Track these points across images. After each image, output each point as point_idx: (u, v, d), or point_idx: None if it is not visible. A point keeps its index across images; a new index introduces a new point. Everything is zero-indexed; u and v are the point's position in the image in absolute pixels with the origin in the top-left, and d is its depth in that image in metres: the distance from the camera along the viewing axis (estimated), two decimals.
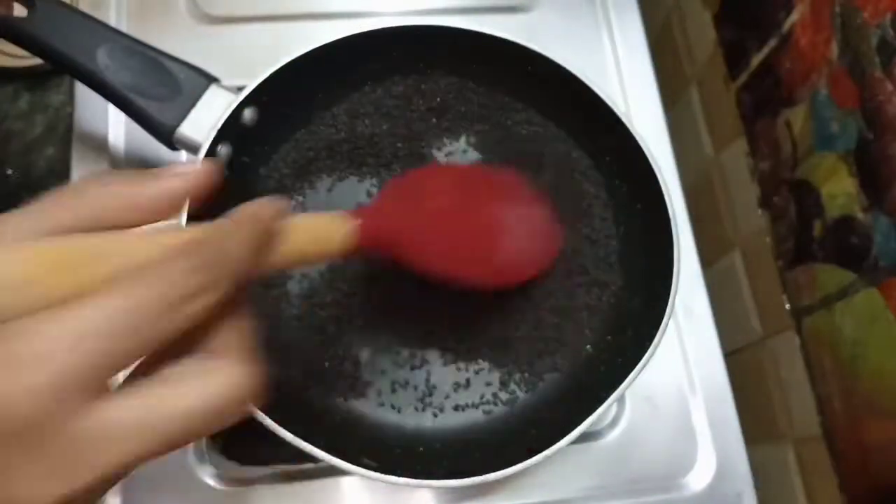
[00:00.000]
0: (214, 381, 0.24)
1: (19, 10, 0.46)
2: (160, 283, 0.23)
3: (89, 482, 0.21)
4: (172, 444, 0.23)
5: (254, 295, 0.49)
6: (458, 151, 0.56)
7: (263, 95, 0.48)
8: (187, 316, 0.23)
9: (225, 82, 0.49)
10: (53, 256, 0.24)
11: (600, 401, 0.44)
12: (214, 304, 0.24)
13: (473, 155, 0.56)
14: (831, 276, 0.50)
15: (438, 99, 0.56)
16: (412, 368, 0.50)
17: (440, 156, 0.55)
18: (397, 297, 0.51)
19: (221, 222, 0.27)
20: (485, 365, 0.50)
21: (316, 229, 0.35)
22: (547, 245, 0.51)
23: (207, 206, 0.31)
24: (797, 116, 0.53)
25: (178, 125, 0.47)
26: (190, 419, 0.23)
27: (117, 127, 0.56)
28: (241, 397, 0.25)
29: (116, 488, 0.47)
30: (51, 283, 0.23)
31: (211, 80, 0.48)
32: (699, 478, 0.53)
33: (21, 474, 0.21)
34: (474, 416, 0.49)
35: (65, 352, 0.21)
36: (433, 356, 0.50)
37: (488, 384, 0.50)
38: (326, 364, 0.49)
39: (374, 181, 0.54)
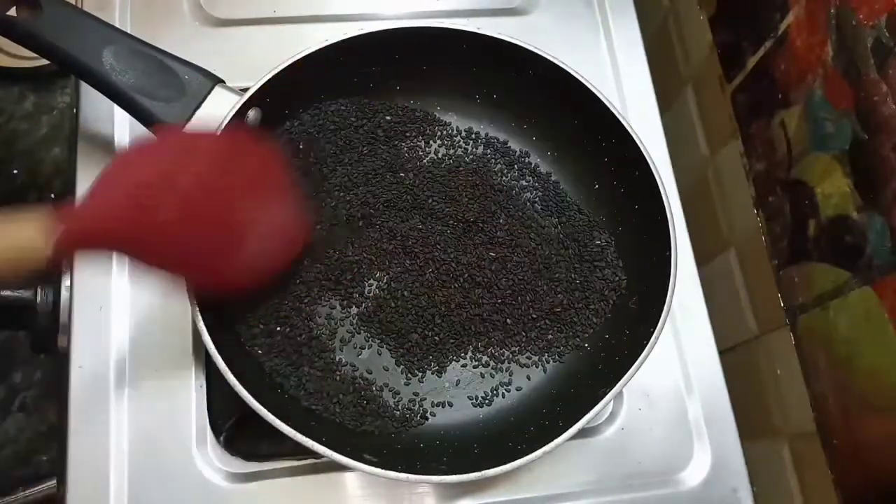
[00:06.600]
0: None
1: (25, 12, 0.46)
2: None
3: None
4: None
5: None
6: (457, 152, 0.57)
7: (267, 96, 0.49)
8: None
9: (228, 83, 0.49)
10: None
11: (598, 398, 0.45)
12: None
13: (473, 155, 0.56)
14: (826, 274, 0.51)
15: (437, 101, 0.57)
16: None
17: (438, 154, 0.56)
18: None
19: None
20: (484, 364, 0.51)
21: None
22: (288, 236, 0.47)
23: None
24: (792, 117, 0.54)
25: (183, 126, 0.47)
26: None
27: (122, 127, 0.56)
28: None
29: (122, 483, 0.47)
30: None
31: (216, 80, 0.49)
32: (695, 474, 0.53)
33: None
34: (473, 413, 0.50)
35: None
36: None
37: (489, 381, 0.51)
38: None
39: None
